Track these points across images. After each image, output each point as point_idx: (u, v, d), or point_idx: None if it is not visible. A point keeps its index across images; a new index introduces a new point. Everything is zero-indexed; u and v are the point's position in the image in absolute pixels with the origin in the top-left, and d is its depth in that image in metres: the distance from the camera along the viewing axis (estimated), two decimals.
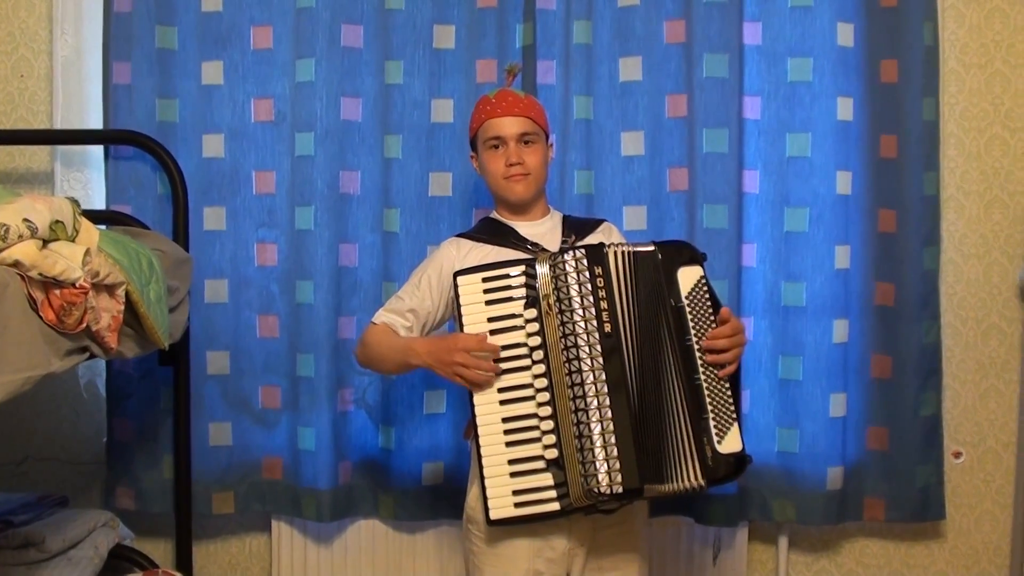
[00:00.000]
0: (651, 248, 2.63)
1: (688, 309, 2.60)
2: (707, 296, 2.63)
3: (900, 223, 3.42)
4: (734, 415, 2.60)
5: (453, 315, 2.77)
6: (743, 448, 2.57)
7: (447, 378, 2.65)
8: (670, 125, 3.44)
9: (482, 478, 2.60)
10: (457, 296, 2.64)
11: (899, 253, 3.43)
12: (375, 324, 2.86)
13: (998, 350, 3.59)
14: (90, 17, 3.54)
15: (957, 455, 3.62)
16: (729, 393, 2.60)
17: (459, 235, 2.95)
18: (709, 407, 2.57)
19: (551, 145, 2.98)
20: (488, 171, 2.87)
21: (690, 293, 2.61)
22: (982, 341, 3.60)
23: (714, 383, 2.60)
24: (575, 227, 2.91)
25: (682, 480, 2.55)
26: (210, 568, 3.71)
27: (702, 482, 2.55)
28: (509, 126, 2.82)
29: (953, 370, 3.59)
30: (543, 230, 2.88)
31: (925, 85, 3.40)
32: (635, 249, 2.63)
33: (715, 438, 2.56)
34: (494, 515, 2.59)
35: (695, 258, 2.65)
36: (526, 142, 2.83)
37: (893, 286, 3.44)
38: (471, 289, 2.63)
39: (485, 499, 2.59)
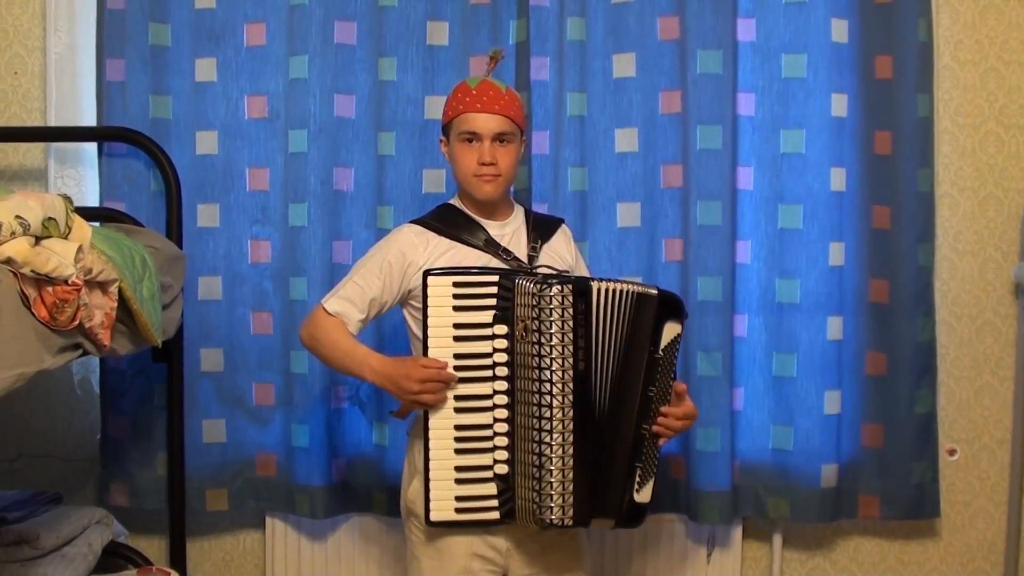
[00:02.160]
0: (654, 292, 2.64)
1: (660, 362, 2.64)
2: (676, 355, 2.70)
3: (894, 219, 3.42)
4: (655, 470, 2.70)
5: (407, 305, 2.79)
6: (651, 500, 2.69)
7: (402, 401, 2.67)
8: (664, 121, 3.44)
9: (427, 479, 2.61)
10: (425, 296, 2.61)
11: (893, 250, 3.42)
12: (329, 315, 2.76)
13: (993, 347, 3.59)
14: (83, 14, 3.53)
15: (952, 452, 3.62)
16: (659, 450, 2.71)
17: (417, 222, 2.86)
18: (642, 457, 2.64)
19: (524, 140, 2.92)
20: (458, 164, 2.79)
21: (667, 347, 2.65)
22: (977, 338, 3.59)
23: (652, 437, 2.67)
24: (539, 228, 2.89)
25: (602, 516, 2.65)
26: (204, 565, 3.71)
27: (610, 523, 2.67)
28: (487, 123, 2.75)
29: (948, 367, 3.59)
30: (510, 231, 2.85)
31: (919, 81, 3.40)
32: (638, 290, 2.63)
33: (635, 487, 2.64)
34: (434, 517, 2.62)
35: (681, 315, 2.69)
36: (501, 141, 2.77)
37: (887, 283, 3.44)
38: (441, 291, 2.60)
39: (427, 499, 2.60)
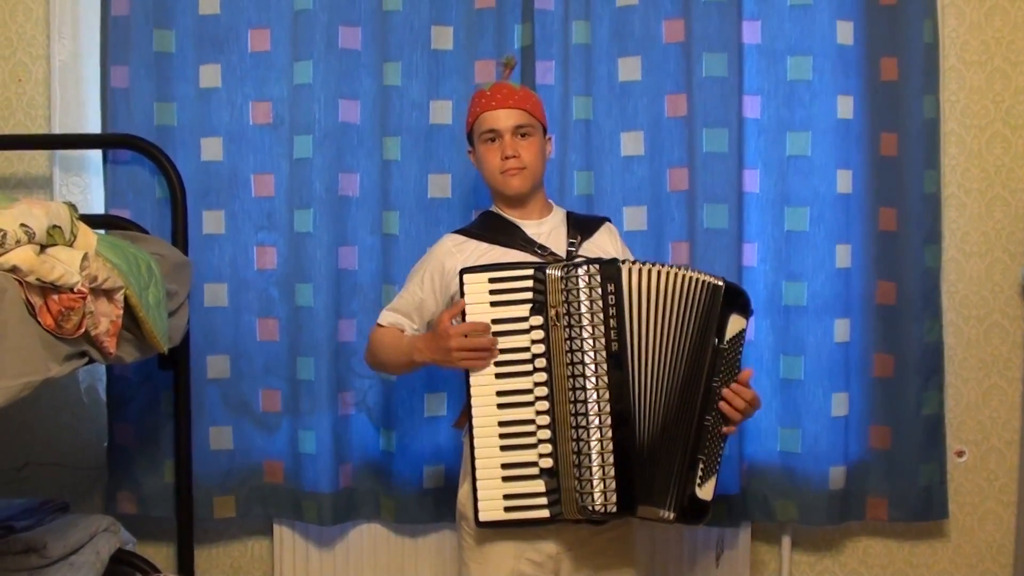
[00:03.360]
0: (720, 283, 2.63)
1: (725, 354, 2.62)
2: (741, 349, 2.66)
3: (901, 221, 3.41)
4: (718, 468, 2.66)
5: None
6: (712, 500, 2.65)
7: (451, 366, 2.65)
8: (670, 125, 3.43)
9: (474, 479, 2.60)
10: (463, 294, 2.62)
11: (900, 251, 3.42)
12: (381, 327, 2.86)
13: (1000, 348, 3.58)
14: (87, 21, 3.54)
15: (960, 454, 3.62)
16: (723, 445, 2.67)
17: (459, 231, 2.92)
18: (705, 451, 2.61)
19: (549, 139, 2.96)
20: (485, 165, 2.84)
21: (731, 340, 2.63)
22: (984, 339, 3.59)
23: (716, 432, 2.64)
24: (579, 226, 2.90)
25: (658, 506, 2.61)
26: (212, 572, 3.71)
27: (671, 515, 2.61)
28: (504, 118, 2.79)
29: (955, 368, 3.58)
30: (548, 229, 2.86)
31: (925, 83, 3.39)
32: (706, 279, 2.62)
33: (698, 481, 2.61)
34: (483, 517, 2.60)
35: (747, 310, 2.68)
36: (522, 134, 2.80)
37: (895, 285, 3.43)
38: (477, 288, 2.62)
39: (476, 500, 2.60)
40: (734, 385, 2.62)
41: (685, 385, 2.60)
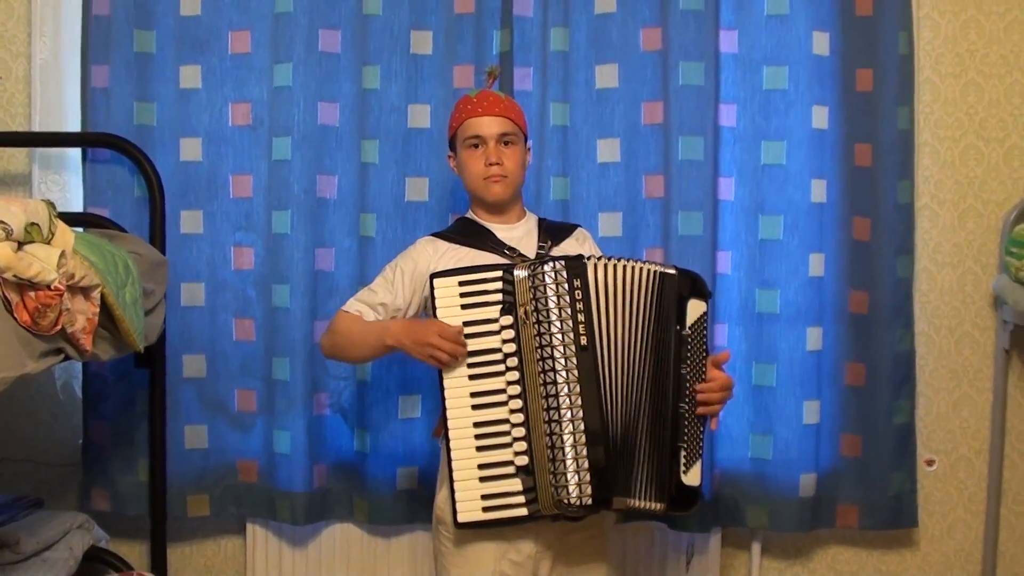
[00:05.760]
0: (672, 271, 2.67)
1: (688, 340, 2.64)
2: (705, 332, 2.69)
3: (874, 231, 3.44)
4: (701, 451, 2.68)
5: (424, 314, 2.80)
6: (701, 484, 2.66)
7: (419, 358, 2.67)
8: (646, 132, 3.45)
9: (451, 481, 2.62)
10: (433, 298, 2.66)
11: (873, 261, 3.45)
12: (346, 312, 2.87)
13: (971, 358, 3.61)
14: (68, 20, 3.53)
15: (930, 463, 3.64)
16: (703, 430, 2.69)
17: (434, 234, 2.96)
18: (684, 437, 2.63)
19: (529, 148, 2.99)
20: (467, 170, 2.87)
21: (694, 324, 2.66)
22: (955, 349, 3.62)
23: (693, 417, 2.66)
24: (551, 232, 2.93)
25: (643, 499, 2.62)
26: (185, 571, 3.71)
27: (660, 505, 2.62)
28: (489, 126, 2.83)
29: (926, 378, 3.61)
30: (519, 233, 2.90)
31: (900, 94, 3.43)
32: (657, 269, 2.66)
33: (682, 467, 2.62)
34: (462, 518, 2.62)
35: (704, 293, 2.71)
36: (506, 143, 2.84)
37: (867, 294, 3.46)
38: (447, 292, 2.65)
39: (454, 502, 2.61)
40: (701, 384, 2.66)
41: (654, 375, 2.63)
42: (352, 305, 2.87)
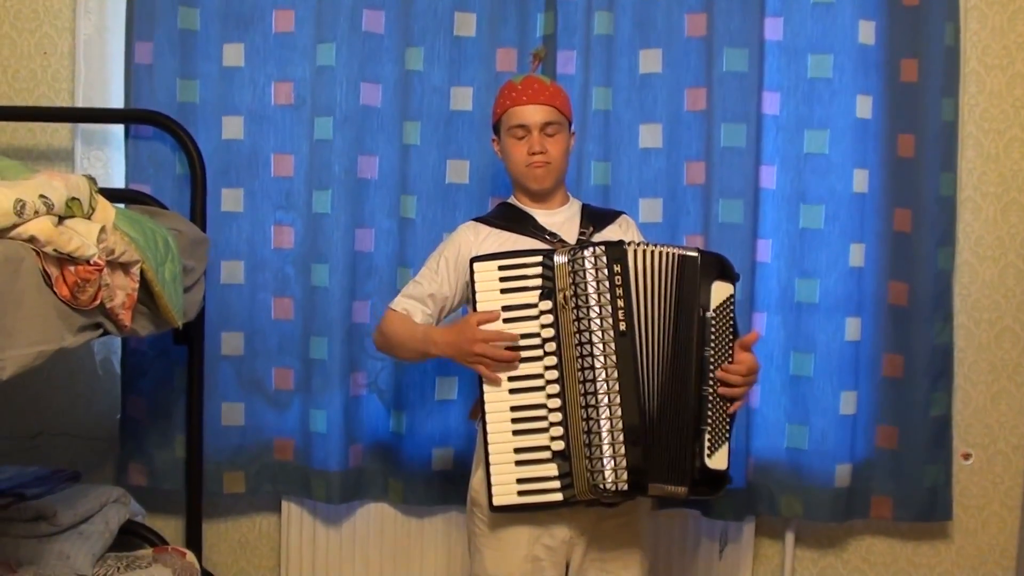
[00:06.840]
0: (694, 253, 2.65)
1: (712, 322, 2.62)
2: (731, 315, 2.67)
3: (915, 223, 3.42)
4: (728, 435, 2.65)
5: (467, 299, 2.78)
6: (728, 468, 2.63)
7: (465, 365, 2.67)
8: (688, 118, 3.44)
9: (487, 464, 2.62)
10: (473, 282, 2.65)
11: (914, 253, 3.43)
12: (394, 311, 2.86)
13: (1011, 352, 3.59)
14: None
15: (966, 457, 3.62)
16: (728, 413, 2.66)
17: (476, 219, 2.95)
18: (708, 420, 2.61)
19: (573, 133, 2.98)
20: (510, 158, 2.87)
21: (718, 307, 2.64)
22: (995, 343, 3.59)
23: (718, 400, 2.64)
24: (593, 218, 2.92)
25: (670, 483, 2.60)
26: (219, 546, 3.74)
27: (683, 490, 2.60)
28: (533, 114, 2.82)
29: (965, 371, 3.59)
30: (561, 219, 2.89)
31: (945, 85, 3.40)
32: (679, 252, 2.64)
33: (706, 451, 2.60)
34: (497, 502, 2.61)
35: (730, 275, 2.68)
36: (549, 132, 2.83)
37: (907, 286, 3.44)
38: (487, 276, 2.65)
39: (489, 485, 2.61)
40: (724, 366, 2.63)
41: (675, 358, 2.61)
42: (400, 303, 2.87)
